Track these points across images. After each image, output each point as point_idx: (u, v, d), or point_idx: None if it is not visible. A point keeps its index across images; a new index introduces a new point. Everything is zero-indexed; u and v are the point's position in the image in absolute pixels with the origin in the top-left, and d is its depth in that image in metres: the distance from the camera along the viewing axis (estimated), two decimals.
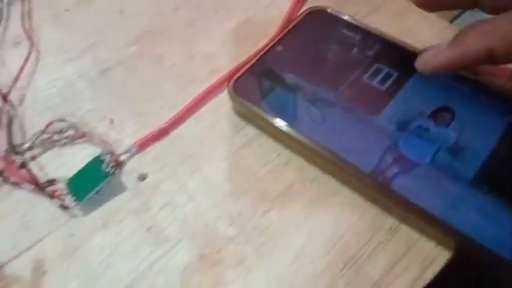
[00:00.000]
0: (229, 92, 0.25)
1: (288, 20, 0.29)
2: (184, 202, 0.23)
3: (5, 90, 0.27)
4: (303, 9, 0.29)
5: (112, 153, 0.23)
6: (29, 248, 0.22)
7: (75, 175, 0.23)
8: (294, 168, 0.23)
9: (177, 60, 0.28)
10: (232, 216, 0.22)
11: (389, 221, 0.22)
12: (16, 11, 0.31)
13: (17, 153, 0.24)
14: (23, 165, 0.24)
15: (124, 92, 0.27)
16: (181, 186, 0.23)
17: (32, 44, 0.29)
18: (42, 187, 0.23)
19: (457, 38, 0.20)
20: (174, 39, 0.29)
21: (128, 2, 0.32)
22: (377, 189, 0.21)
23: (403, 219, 0.21)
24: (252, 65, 0.26)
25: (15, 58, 0.29)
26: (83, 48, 0.29)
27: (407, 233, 0.21)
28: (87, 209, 0.23)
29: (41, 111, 0.26)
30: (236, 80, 0.25)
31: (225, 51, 0.29)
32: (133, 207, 0.23)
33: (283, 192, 0.23)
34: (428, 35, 0.29)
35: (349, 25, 0.27)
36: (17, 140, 0.25)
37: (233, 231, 0.22)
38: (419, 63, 0.21)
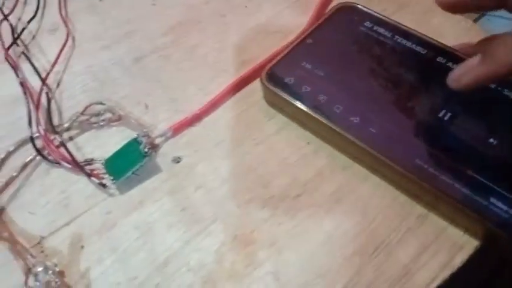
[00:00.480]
0: (261, 81, 0.26)
1: (317, 15, 0.30)
2: (217, 184, 0.23)
3: (43, 74, 0.28)
4: (332, 4, 0.30)
5: (148, 136, 0.24)
6: (67, 223, 0.22)
7: (112, 155, 0.24)
8: (324, 156, 0.24)
9: (210, 51, 0.29)
10: (264, 199, 0.23)
11: (418, 208, 0.22)
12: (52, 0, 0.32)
13: (55, 133, 0.25)
14: (62, 144, 0.24)
15: (158, 79, 0.28)
16: (215, 170, 0.24)
17: (68, 31, 0.30)
18: (80, 166, 0.24)
19: (487, 53, 0.20)
20: (206, 30, 0.30)
21: None
22: (411, 179, 0.22)
23: (432, 207, 0.22)
24: (284, 56, 0.27)
25: (52, 44, 0.30)
26: (117, 37, 0.30)
27: (435, 221, 0.22)
28: (124, 188, 0.23)
29: (77, 95, 0.27)
30: (268, 70, 0.26)
31: (255, 43, 0.29)
32: (169, 188, 0.23)
33: (313, 178, 0.23)
34: (452, 33, 0.30)
35: (378, 21, 0.28)
36: (55, 121, 0.26)
37: (265, 214, 0.22)
38: (452, 81, 0.22)
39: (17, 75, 0.27)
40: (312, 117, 0.24)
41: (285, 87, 0.25)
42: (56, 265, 0.20)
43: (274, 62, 0.26)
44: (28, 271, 0.20)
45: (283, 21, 0.31)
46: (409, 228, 0.21)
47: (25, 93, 0.26)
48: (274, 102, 0.26)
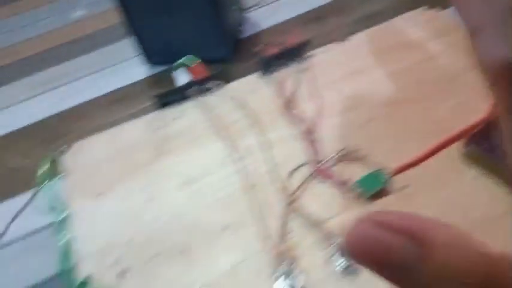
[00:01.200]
0: (464, 143, 0.38)
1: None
2: (431, 208, 0.36)
3: (310, 126, 0.43)
4: None
5: (384, 170, 0.38)
6: (337, 215, 0.36)
7: (362, 178, 0.38)
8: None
9: (418, 120, 0.42)
10: (468, 222, 0.34)
11: None
12: (304, 77, 0.49)
13: (320, 162, 0.40)
14: (327, 169, 0.39)
15: (385, 135, 0.42)
16: (432, 199, 0.36)
17: (320, 100, 0.46)
18: (341, 183, 0.38)
19: None
20: (413, 108, 0.44)
21: (377, 80, 0.48)
22: None
23: None
24: (479, 130, 0.39)
25: (308, 105, 0.46)
26: (351, 105, 0.45)
27: None
28: (369, 201, 0.37)
29: (329, 140, 0.42)
30: (469, 137, 0.38)
31: (452, 118, 0.42)
32: (395, 207, 0.36)
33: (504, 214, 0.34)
34: None
35: None
36: (320, 154, 0.41)
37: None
38: None
39: (301, 123, 0.43)
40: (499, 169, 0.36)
41: (482, 150, 0.37)
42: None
43: (472, 133, 0.39)
44: (327, 236, 0.34)
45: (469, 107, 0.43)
46: None
47: (305, 133, 0.42)
48: (472, 159, 0.38)
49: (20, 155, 0.59)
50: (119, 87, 0.67)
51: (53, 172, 0.46)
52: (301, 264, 0.34)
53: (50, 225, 0.50)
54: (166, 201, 0.40)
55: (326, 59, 0.51)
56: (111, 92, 0.66)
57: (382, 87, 0.47)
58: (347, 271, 0.33)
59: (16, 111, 0.67)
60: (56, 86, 0.69)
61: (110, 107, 0.64)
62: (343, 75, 0.49)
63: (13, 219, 0.52)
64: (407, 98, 0.45)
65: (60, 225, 0.39)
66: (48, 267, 0.46)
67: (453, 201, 0.36)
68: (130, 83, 0.67)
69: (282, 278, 0.33)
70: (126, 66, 0.70)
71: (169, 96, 0.49)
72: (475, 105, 0.43)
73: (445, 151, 0.40)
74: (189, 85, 0.50)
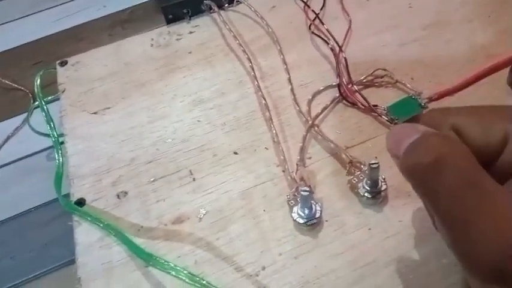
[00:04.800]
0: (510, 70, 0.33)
1: None
2: None
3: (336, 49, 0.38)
4: None
5: (419, 96, 0.33)
6: (363, 142, 0.32)
7: (394, 103, 0.33)
8: None
9: (460, 45, 0.37)
10: None
11: None
12: None
13: (351, 84, 0.35)
14: (357, 91, 0.35)
15: (420, 60, 0.37)
16: None
17: (347, 19, 0.41)
18: (371, 107, 0.33)
19: None
20: (456, 31, 0.39)
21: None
22: None
23: None
24: None
25: (335, 28, 0.40)
26: (384, 27, 0.40)
27: None
28: None
29: (359, 63, 0.37)
30: None
31: (498, 43, 0.37)
32: None
33: None
34: None
35: None
36: (346, 79, 0.36)
37: None
38: None
39: (327, 43, 0.38)
40: None
41: None
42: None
43: None
44: (349, 164, 0.30)
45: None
46: None
47: (333, 55, 0.37)
48: None
49: (13, 76, 0.55)
50: (124, 8, 0.61)
51: (49, 90, 0.42)
52: (319, 193, 0.30)
53: (46, 147, 0.47)
54: (173, 122, 0.36)
55: None
56: (115, 13, 0.61)
57: (420, 6, 0.41)
58: (370, 202, 0.29)
59: (9, 30, 0.62)
60: (52, 5, 0.64)
61: (113, 29, 0.59)
62: None
63: (5, 142, 0.48)
64: (448, 20, 0.40)
65: (56, 144, 0.35)
66: (43, 191, 0.43)
67: None
68: (136, 3, 0.62)
69: (298, 206, 0.29)
70: None
71: (179, 9, 0.43)
72: None
73: (488, 79, 0.35)
74: None
